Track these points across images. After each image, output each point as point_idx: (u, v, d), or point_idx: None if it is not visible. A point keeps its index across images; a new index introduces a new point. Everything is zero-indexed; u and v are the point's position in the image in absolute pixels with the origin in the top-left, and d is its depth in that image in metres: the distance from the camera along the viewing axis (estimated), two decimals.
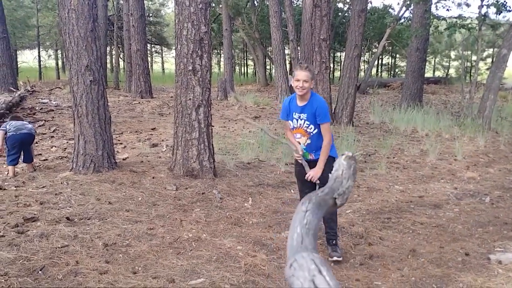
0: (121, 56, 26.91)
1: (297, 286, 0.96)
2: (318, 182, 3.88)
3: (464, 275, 3.80)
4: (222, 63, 30.94)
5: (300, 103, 4.01)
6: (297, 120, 4.04)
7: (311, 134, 4.02)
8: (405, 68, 27.43)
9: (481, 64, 24.16)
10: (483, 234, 4.72)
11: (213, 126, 7.08)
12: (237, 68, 40.47)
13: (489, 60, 31.47)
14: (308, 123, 3.99)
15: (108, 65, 25.89)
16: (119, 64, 26.06)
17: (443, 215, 5.31)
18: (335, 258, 4.01)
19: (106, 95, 6.69)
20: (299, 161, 4.04)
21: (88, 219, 4.81)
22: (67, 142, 8.86)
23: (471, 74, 25.79)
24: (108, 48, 25.20)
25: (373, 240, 4.56)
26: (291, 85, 18.89)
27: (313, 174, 3.93)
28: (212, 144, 6.63)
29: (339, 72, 29.85)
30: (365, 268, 3.97)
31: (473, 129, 10.29)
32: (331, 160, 3.89)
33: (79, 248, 4.11)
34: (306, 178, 3.96)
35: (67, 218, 4.75)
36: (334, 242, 4.13)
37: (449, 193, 6.19)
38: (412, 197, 5.98)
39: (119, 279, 3.59)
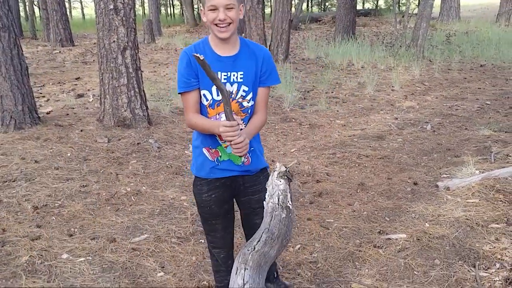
0: (35, 2, 24.84)
1: None
2: (245, 159, 2.23)
3: (415, 204, 3.77)
4: (146, 5, 29.29)
5: (224, 52, 2.13)
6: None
7: (249, 111, 2.22)
8: (335, 1, 27.14)
9: None
10: (428, 162, 4.74)
11: (143, 71, 6.60)
12: (162, 9, 38.70)
13: None
14: (247, 88, 2.16)
15: (22, 14, 23.83)
16: (34, 12, 24.06)
17: (387, 146, 5.28)
18: None
19: (20, 44, 6.01)
20: (228, 139, 2.01)
21: (13, 181, 4.36)
22: None
23: (399, 4, 26.00)
24: None
25: (321, 177, 4.45)
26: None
27: (243, 138, 2.01)
28: (144, 90, 6.19)
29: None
30: (315, 206, 3.86)
31: (407, 59, 10.36)
32: (264, 171, 2.36)
33: (5, 214, 3.71)
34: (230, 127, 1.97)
35: None
36: (275, 275, 2.64)
37: (390, 123, 6.18)
38: (355, 131, 5.92)
39: (54, 244, 3.26)
